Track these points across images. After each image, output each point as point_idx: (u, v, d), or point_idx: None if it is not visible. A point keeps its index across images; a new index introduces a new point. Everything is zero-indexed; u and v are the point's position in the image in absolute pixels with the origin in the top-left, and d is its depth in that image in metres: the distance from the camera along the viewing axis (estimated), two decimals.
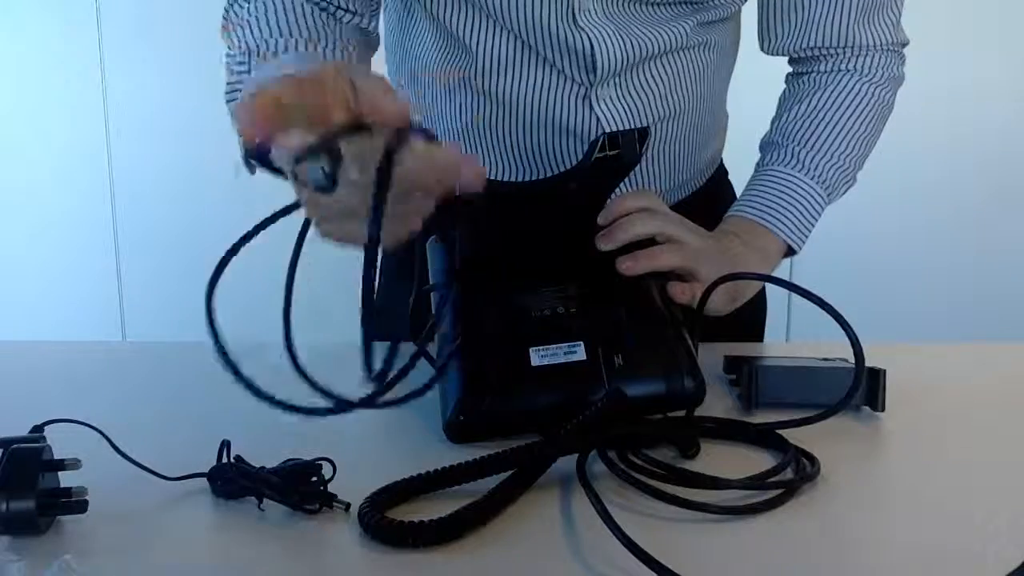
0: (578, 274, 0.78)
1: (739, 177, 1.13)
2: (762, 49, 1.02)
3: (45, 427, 0.63)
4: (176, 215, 2.41)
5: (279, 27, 0.85)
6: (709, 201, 1.04)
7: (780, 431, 0.71)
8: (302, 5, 0.86)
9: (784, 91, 1.03)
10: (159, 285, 2.46)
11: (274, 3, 0.86)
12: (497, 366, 0.73)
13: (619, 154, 0.77)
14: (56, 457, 0.59)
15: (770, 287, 0.83)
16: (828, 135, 0.96)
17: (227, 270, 0.59)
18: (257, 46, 0.84)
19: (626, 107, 0.93)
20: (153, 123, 2.39)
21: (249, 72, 0.83)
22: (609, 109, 0.92)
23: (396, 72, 1.03)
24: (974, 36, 2.30)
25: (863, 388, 0.76)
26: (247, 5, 0.87)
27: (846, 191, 1.00)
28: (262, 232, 0.63)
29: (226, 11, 0.89)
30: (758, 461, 0.68)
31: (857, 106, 0.97)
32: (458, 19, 0.90)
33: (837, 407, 0.72)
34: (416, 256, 0.79)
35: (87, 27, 2.35)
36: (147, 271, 2.47)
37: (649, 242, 0.82)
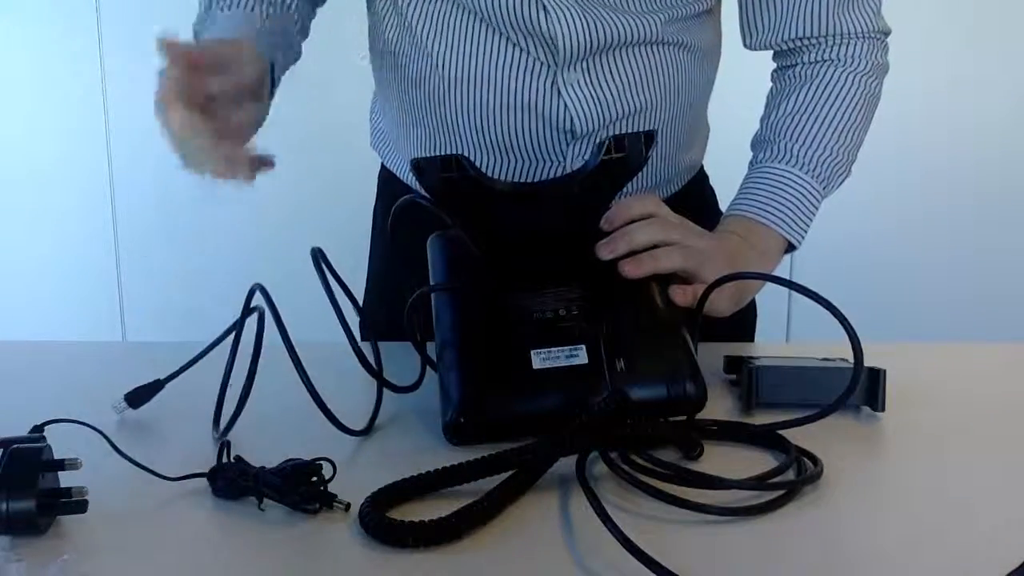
0: (581, 276, 0.77)
1: (717, 183, 1.14)
2: (745, 45, 1.03)
3: (45, 427, 0.63)
4: (176, 215, 2.41)
5: None
6: (688, 203, 1.05)
7: (781, 431, 0.70)
8: None
9: (771, 88, 1.04)
10: (159, 285, 2.46)
11: None
12: (498, 368, 0.73)
13: (624, 157, 0.77)
14: (56, 457, 0.59)
15: (769, 286, 0.83)
16: (818, 128, 0.97)
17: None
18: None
19: (594, 95, 0.94)
20: (153, 123, 2.38)
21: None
22: (577, 95, 0.93)
23: (375, 58, 1.05)
24: (975, 34, 2.30)
25: (863, 388, 0.76)
26: None
27: (841, 183, 1.00)
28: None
29: None
30: (760, 462, 0.68)
31: (845, 97, 0.98)
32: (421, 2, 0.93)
33: (836, 404, 0.72)
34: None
35: (87, 27, 2.35)
36: (147, 271, 2.47)
37: None
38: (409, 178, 1.06)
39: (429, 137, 0.99)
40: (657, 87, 0.97)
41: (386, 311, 0.90)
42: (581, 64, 0.92)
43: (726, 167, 1.13)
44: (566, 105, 0.93)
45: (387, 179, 1.13)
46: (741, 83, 1.19)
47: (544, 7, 0.89)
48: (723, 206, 1.03)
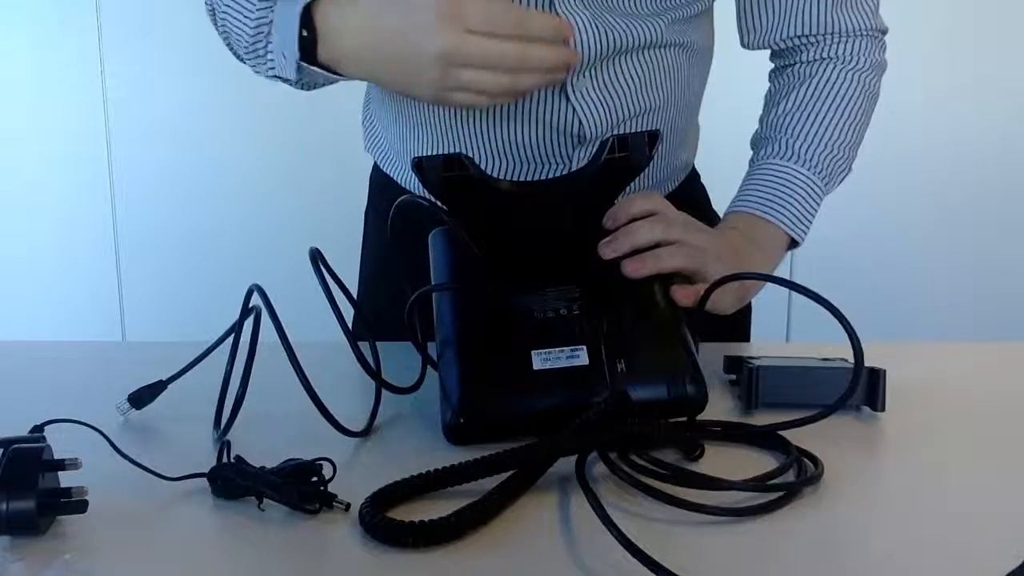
0: (583, 275, 0.77)
1: (707, 181, 1.14)
2: (743, 44, 1.03)
3: (45, 427, 0.63)
4: (176, 215, 2.41)
5: None
6: (681, 202, 1.05)
7: (781, 432, 0.70)
8: None
9: (770, 87, 1.04)
10: (159, 285, 2.46)
11: None
12: (498, 368, 0.73)
13: (628, 156, 0.77)
14: (56, 457, 0.59)
15: (769, 285, 0.83)
16: (819, 125, 0.97)
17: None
18: None
19: (602, 99, 0.94)
20: (153, 123, 2.39)
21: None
22: (585, 100, 0.93)
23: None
24: (974, 35, 2.30)
25: (863, 388, 0.76)
26: None
27: (842, 180, 1.00)
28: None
29: None
30: (760, 462, 0.68)
31: (845, 94, 0.98)
32: None
33: (836, 405, 0.72)
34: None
35: (87, 27, 2.35)
36: (147, 271, 2.47)
37: None
38: (404, 180, 1.06)
39: (428, 140, 0.99)
40: (662, 88, 0.97)
41: (380, 312, 0.90)
42: (590, 70, 0.92)
43: (716, 165, 1.13)
44: (575, 110, 0.93)
45: (379, 180, 1.12)
46: (729, 82, 1.20)
47: (556, 15, 0.88)
48: (714, 204, 1.03)
